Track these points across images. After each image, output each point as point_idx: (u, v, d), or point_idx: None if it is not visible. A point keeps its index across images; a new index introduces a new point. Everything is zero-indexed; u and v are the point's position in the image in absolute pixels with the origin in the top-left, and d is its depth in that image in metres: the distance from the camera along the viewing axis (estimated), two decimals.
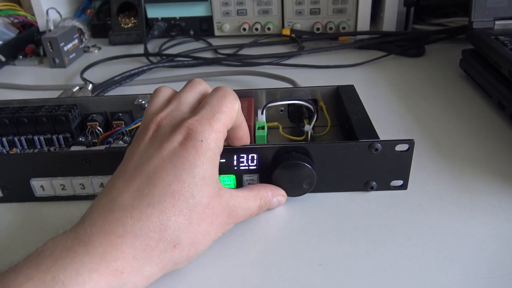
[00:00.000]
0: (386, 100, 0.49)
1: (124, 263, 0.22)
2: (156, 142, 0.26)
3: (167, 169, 0.25)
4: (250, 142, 0.36)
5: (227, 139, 0.32)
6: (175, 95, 0.30)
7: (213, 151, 0.26)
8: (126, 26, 0.76)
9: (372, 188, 0.34)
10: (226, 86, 0.30)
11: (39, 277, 0.20)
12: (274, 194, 0.31)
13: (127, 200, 0.24)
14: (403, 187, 0.34)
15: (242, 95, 0.42)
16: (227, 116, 0.28)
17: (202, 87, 0.31)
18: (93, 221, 0.23)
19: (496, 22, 0.51)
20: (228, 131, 0.31)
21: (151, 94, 0.41)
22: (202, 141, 0.26)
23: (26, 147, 0.41)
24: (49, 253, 0.22)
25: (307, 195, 0.33)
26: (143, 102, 0.41)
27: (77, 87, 0.51)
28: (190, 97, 0.29)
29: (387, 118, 0.45)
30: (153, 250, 0.23)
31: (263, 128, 0.37)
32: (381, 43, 0.65)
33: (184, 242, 0.25)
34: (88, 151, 0.33)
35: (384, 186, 0.34)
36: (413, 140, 0.31)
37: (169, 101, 0.30)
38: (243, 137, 0.32)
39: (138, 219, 0.23)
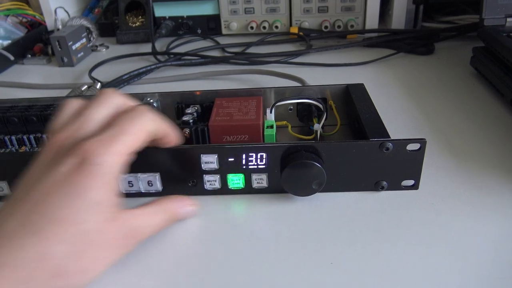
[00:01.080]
0: (396, 99, 0.49)
1: None
2: (49, 165, 0.25)
3: (56, 195, 0.24)
4: (259, 141, 0.36)
5: (155, 145, 0.31)
6: (82, 109, 0.28)
7: (110, 175, 0.25)
8: (133, 25, 0.76)
9: (383, 188, 0.33)
10: (144, 106, 0.28)
11: None
12: (180, 205, 0.30)
13: (12, 227, 0.23)
14: (415, 187, 0.33)
15: (251, 93, 0.41)
16: (134, 138, 0.26)
17: (115, 101, 0.28)
18: None
19: (508, 19, 0.50)
20: (156, 140, 0.30)
21: (159, 93, 0.42)
22: (98, 164, 0.24)
23: (35, 145, 0.41)
24: None
25: (317, 194, 0.32)
26: (152, 100, 0.41)
27: (85, 86, 0.51)
28: (97, 115, 0.27)
29: (397, 117, 0.44)
30: (32, 280, 0.22)
31: (272, 127, 0.37)
32: (390, 41, 0.64)
33: (70, 271, 0.23)
34: None
35: (395, 186, 0.33)
36: (425, 139, 0.31)
37: (76, 115, 0.28)
38: (171, 143, 0.31)
39: (21, 249, 0.22)
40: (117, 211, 0.26)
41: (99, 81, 0.53)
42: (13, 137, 0.40)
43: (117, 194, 0.26)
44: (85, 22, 0.73)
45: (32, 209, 0.23)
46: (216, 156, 0.32)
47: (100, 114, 0.27)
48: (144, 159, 0.32)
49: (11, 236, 0.23)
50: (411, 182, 0.33)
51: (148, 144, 0.30)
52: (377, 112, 0.36)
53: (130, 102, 0.30)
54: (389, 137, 0.32)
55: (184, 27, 0.76)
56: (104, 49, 0.74)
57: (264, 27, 0.72)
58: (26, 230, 0.23)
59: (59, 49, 0.65)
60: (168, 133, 0.30)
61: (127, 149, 0.26)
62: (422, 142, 0.31)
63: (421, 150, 0.31)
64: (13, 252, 0.22)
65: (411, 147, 0.31)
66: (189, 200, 0.31)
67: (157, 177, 0.33)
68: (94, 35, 0.76)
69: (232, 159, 0.32)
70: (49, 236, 0.23)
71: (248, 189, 0.34)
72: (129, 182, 0.34)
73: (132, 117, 0.27)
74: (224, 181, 0.34)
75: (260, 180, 0.33)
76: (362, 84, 0.41)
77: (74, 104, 0.29)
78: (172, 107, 0.42)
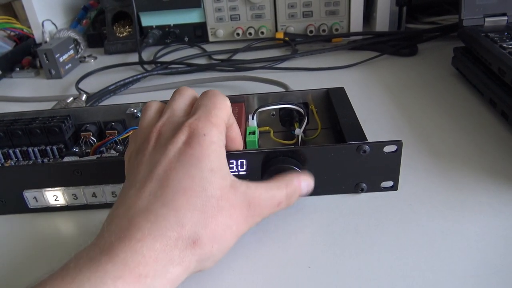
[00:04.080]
0: (379, 101, 0.49)
1: (147, 267, 0.22)
2: (160, 147, 0.27)
3: (176, 169, 0.25)
4: (242, 146, 0.37)
5: None
6: (165, 106, 0.31)
7: (217, 144, 0.27)
8: (121, 35, 0.77)
9: (362, 190, 0.34)
10: (213, 89, 0.30)
11: None
12: (300, 178, 0.30)
13: (142, 206, 0.24)
14: (394, 188, 0.34)
15: (233, 100, 0.42)
16: (223, 111, 0.29)
17: (189, 92, 0.31)
18: (112, 231, 0.24)
19: (487, 19, 0.51)
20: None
21: (143, 102, 0.42)
22: (204, 135, 0.26)
23: (21, 159, 0.41)
24: (73, 265, 0.22)
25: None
26: (135, 111, 0.42)
27: (71, 98, 0.52)
28: (181, 104, 0.30)
29: (379, 119, 0.45)
30: (173, 249, 0.23)
31: (254, 133, 0.38)
32: (374, 44, 0.65)
33: (204, 238, 0.24)
34: (79, 161, 0.34)
35: (375, 187, 0.34)
36: (401, 141, 0.31)
37: (160, 112, 0.30)
38: (236, 138, 0.32)
39: (155, 221, 0.24)
40: (234, 180, 0.27)
41: (85, 92, 0.54)
42: None
43: (226, 163, 0.27)
44: (72, 34, 0.74)
45: (156, 185, 0.25)
46: None
47: (183, 103, 0.30)
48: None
49: (143, 212, 0.24)
50: (390, 184, 0.34)
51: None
52: (355, 115, 0.36)
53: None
54: (366, 140, 0.32)
55: (171, 35, 0.77)
56: (92, 60, 0.74)
57: (250, 33, 0.73)
58: (156, 204, 0.24)
59: (47, 61, 0.66)
60: (234, 125, 0.31)
61: (222, 120, 0.28)
62: (399, 143, 0.32)
63: (398, 151, 0.32)
64: (152, 225, 0.23)
65: (388, 149, 0.32)
66: (306, 173, 0.31)
67: None
68: (82, 46, 0.77)
69: None
70: (178, 205, 0.24)
71: None
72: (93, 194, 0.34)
73: (209, 96, 0.29)
74: None
75: None
76: (342, 88, 0.41)
77: (154, 104, 0.31)
78: None
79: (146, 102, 0.42)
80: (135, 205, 0.25)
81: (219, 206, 0.25)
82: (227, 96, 0.42)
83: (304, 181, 0.31)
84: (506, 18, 0.50)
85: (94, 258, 0.22)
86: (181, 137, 0.26)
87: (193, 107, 0.29)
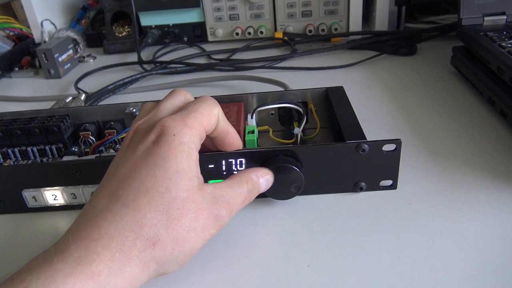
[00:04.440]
0: (378, 100, 0.49)
1: (101, 265, 0.22)
2: (132, 146, 0.27)
3: (140, 168, 0.25)
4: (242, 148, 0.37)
5: (219, 148, 0.32)
6: (156, 104, 0.30)
7: (186, 145, 0.26)
8: (120, 35, 0.77)
9: (361, 189, 0.34)
10: (208, 96, 0.30)
11: None
12: (259, 174, 0.30)
13: (103, 204, 0.24)
14: (393, 187, 0.34)
15: (232, 100, 0.42)
16: (203, 117, 0.28)
17: (182, 95, 0.30)
18: (71, 231, 0.24)
19: (485, 18, 0.51)
20: (217, 140, 0.31)
21: (142, 102, 0.42)
22: (174, 135, 0.26)
23: (20, 159, 0.41)
24: (26, 267, 0.22)
25: (297, 197, 0.33)
26: (134, 110, 0.42)
27: (70, 98, 0.51)
28: (169, 105, 0.29)
29: (378, 118, 0.45)
30: (130, 249, 0.23)
31: (253, 132, 0.38)
32: (373, 43, 0.65)
33: (165, 239, 0.24)
34: (77, 161, 0.34)
35: (374, 186, 0.34)
36: (400, 139, 0.31)
37: (151, 109, 0.30)
38: (234, 143, 0.32)
39: (113, 221, 0.23)
40: (199, 182, 0.26)
41: (84, 92, 0.54)
42: None
43: (197, 166, 0.27)
44: (71, 34, 0.74)
45: (120, 184, 0.25)
46: None
47: (171, 105, 0.29)
48: None
49: (103, 211, 0.24)
50: (389, 182, 0.34)
51: (212, 147, 0.32)
52: (354, 114, 0.36)
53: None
54: (365, 139, 0.32)
55: (170, 35, 0.77)
56: (91, 60, 0.74)
57: (249, 33, 0.73)
58: (116, 203, 0.24)
59: (46, 61, 0.66)
60: (229, 130, 0.31)
61: (199, 124, 0.27)
62: (398, 142, 0.32)
63: (397, 150, 0.32)
64: (108, 224, 0.23)
65: (387, 147, 0.32)
66: (264, 168, 0.31)
67: None
68: (81, 46, 0.77)
69: (212, 166, 0.33)
70: (139, 205, 0.24)
71: None
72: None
73: (199, 101, 0.29)
74: None
75: None
76: (341, 87, 0.41)
77: (148, 105, 0.31)
78: None
79: (145, 101, 0.42)
80: (97, 204, 0.24)
81: (185, 208, 0.25)
82: (226, 95, 0.42)
83: (262, 176, 0.30)
84: (505, 17, 0.50)
85: (47, 258, 0.22)
86: (151, 136, 0.26)
87: (179, 108, 0.29)
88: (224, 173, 0.33)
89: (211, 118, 0.28)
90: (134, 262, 0.23)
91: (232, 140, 0.31)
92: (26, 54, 0.74)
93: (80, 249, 0.22)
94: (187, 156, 0.26)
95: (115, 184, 0.25)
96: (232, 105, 0.41)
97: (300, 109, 0.39)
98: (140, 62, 0.67)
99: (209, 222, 0.26)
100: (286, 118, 0.42)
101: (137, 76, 0.60)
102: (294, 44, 0.69)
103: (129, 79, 0.59)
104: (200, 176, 0.27)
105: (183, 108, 0.28)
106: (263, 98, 0.42)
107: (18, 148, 0.41)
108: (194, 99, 0.31)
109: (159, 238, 0.24)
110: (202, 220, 0.25)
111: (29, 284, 0.20)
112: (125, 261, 0.23)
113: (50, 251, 0.23)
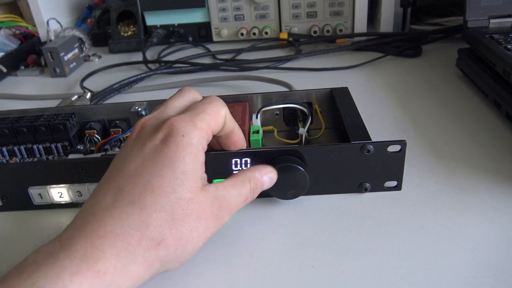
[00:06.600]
0: (383, 101, 0.49)
1: (106, 263, 0.22)
2: (139, 143, 0.27)
3: (147, 166, 0.25)
4: (246, 147, 0.37)
5: (223, 146, 0.32)
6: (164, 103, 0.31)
7: (195, 147, 0.26)
8: (125, 34, 0.77)
9: (366, 190, 0.34)
10: (215, 96, 0.30)
11: (20, 285, 0.20)
12: (262, 172, 0.30)
13: (109, 201, 0.24)
14: (397, 188, 0.34)
15: (237, 100, 0.42)
16: (212, 118, 0.28)
17: (190, 94, 0.31)
18: (76, 226, 0.24)
19: (491, 21, 0.51)
20: (223, 138, 0.31)
21: (148, 101, 0.43)
22: (183, 136, 0.26)
23: (26, 156, 0.41)
24: (31, 261, 0.22)
25: (301, 197, 0.33)
26: (140, 109, 0.42)
27: (75, 96, 0.52)
28: (177, 103, 0.30)
29: (383, 119, 0.45)
30: (136, 249, 0.23)
31: (257, 132, 0.38)
32: (378, 45, 0.65)
33: (169, 239, 0.24)
34: (83, 159, 0.34)
35: (378, 187, 0.34)
36: (404, 141, 0.31)
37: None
38: (238, 142, 0.32)
39: (119, 218, 0.23)
40: (203, 183, 0.27)
41: (89, 91, 0.54)
42: (4, 149, 0.41)
43: (203, 167, 0.27)
44: (77, 33, 0.74)
45: (126, 181, 0.25)
46: None
47: (179, 103, 0.30)
48: None
49: (109, 208, 0.24)
50: (393, 183, 0.34)
51: (217, 145, 0.32)
52: (359, 115, 0.36)
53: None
54: (370, 140, 0.32)
55: (175, 35, 0.77)
56: (96, 59, 0.74)
57: (254, 33, 0.73)
58: (123, 201, 0.24)
59: (51, 60, 0.66)
60: (235, 129, 0.31)
61: (207, 125, 0.27)
62: (402, 143, 0.32)
63: (402, 151, 0.32)
64: (116, 221, 0.23)
65: (392, 148, 0.32)
66: (268, 166, 0.31)
67: None
68: (87, 45, 0.77)
69: (218, 165, 0.33)
70: (145, 204, 0.24)
71: None
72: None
73: (207, 101, 0.29)
74: None
75: None
76: (346, 88, 0.41)
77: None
78: None
79: (150, 100, 0.42)
80: (102, 200, 0.24)
81: (189, 209, 0.25)
82: (231, 95, 0.42)
83: (266, 174, 0.30)
84: (511, 19, 0.50)
85: (53, 253, 0.22)
86: (160, 135, 0.26)
87: (187, 108, 0.29)
88: (230, 172, 0.33)
89: (218, 119, 0.28)
90: (139, 261, 0.23)
91: (237, 138, 0.32)
92: (32, 53, 0.74)
93: (86, 245, 0.22)
94: (194, 158, 0.26)
95: (121, 180, 0.25)
96: (237, 105, 0.41)
97: (305, 110, 0.39)
98: (145, 61, 0.67)
99: (211, 222, 0.26)
100: (290, 119, 0.42)
101: (142, 75, 0.60)
102: (299, 45, 0.69)
103: (134, 78, 0.59)
104: (204, 175, 0.27)
105: (191, 108, 0.28)
106: (268, 98, 0.42)
107: (24, 145, 0.41)
108: (202, 98, 0.31)
109: (163, 238, 0.24)
110: (204, 221, 0.26)
111: (36, 280, 0.21)
112: (130, 260, 0.23)
113: (54, 245, 0.23)
